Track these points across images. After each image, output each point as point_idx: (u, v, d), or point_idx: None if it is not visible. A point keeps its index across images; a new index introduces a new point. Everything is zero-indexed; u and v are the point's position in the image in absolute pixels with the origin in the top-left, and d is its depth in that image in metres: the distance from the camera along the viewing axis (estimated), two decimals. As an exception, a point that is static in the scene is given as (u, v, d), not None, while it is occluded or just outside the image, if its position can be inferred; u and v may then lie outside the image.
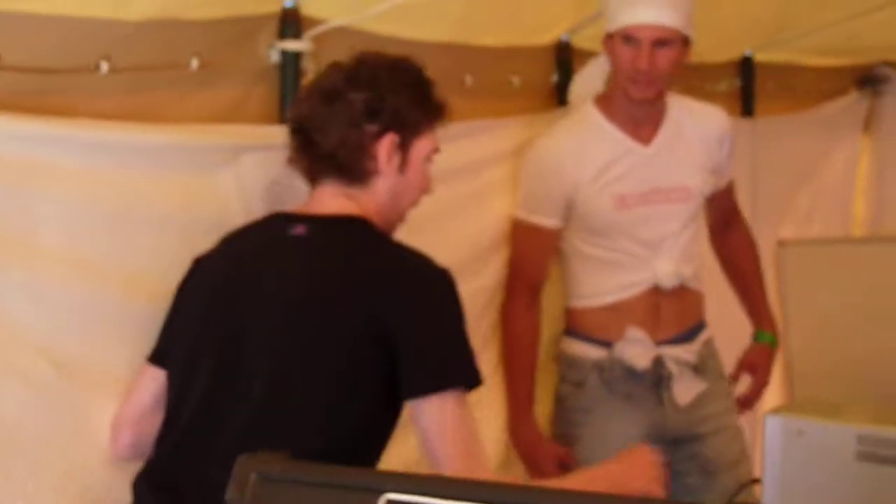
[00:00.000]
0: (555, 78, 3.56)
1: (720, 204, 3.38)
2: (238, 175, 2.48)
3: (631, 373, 3.11)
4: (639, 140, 3.11)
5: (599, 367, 3.13)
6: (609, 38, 3.02)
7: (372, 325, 2.08)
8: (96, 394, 2.26)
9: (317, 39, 2.64)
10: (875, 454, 2.02)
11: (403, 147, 2.27)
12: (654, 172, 3.10)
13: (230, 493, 1.48)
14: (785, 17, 4.07)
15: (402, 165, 2.28)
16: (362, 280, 2.14)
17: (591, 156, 3.08)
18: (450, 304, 2.17)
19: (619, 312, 3.13)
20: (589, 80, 3.30)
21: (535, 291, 3.21)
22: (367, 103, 2.23)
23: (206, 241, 2.34)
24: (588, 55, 3.66)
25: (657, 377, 3.13)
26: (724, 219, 3.47)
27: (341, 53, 2.75)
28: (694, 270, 3.19)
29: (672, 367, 3.12)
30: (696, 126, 3.16)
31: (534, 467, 3.13)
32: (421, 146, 2.30)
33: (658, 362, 3.12)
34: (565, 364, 3.22)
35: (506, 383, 3.19)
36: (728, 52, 4.37)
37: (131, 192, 2.27)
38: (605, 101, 3.15)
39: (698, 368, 3.18)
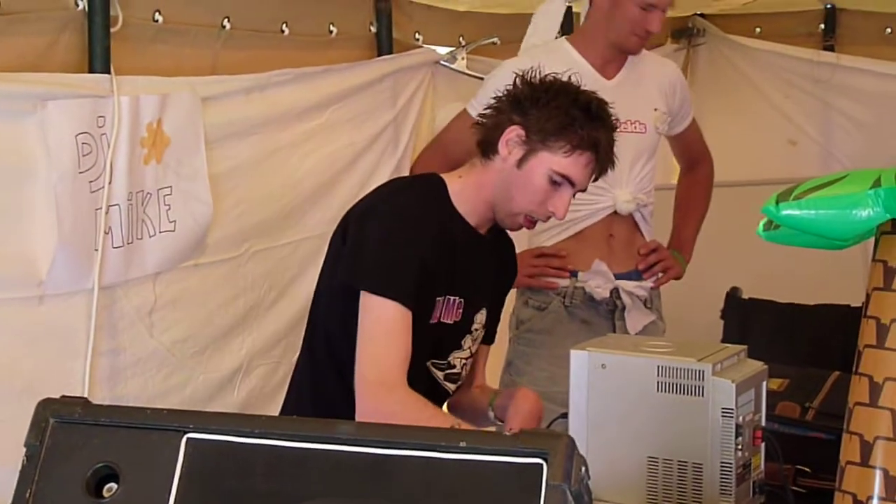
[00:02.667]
0: (373, 27, 3.57)
1: (684, 144, 3.66)
2: (43, 124, 2.43)
3: (590, 300, 3.34)
4: (603, 76, 3.34)
5: (562, 293, 3.33)
6: None
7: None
8: None
9: (124, -15, 2.60)
10: (673, 384, 2.11)
11: (528, 148, 2.43)
12: (615, 104, 3.25)
13: (28, 438, 1.46)
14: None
15: (521, 162, 2.43)
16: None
17: None
18: (374, 223, 2.39)
19: (582, 241, 3.33)
20: (549, 21, 3.53)
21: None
22: (520, 97, 2.45)
23: (7, 191, 2.29)
24: (407, 5, 3.70)
25: (612, 306, 3.35)
26: (690, 160, 3.73)
27: (148, 0, 2.73)
28: (649, 209, 3.41)
29: (626, 298, 3.35)
30: (651, 72, 3.44)
31: (521, 277, 3.20)
32: (548, 159, 2.42)
33: (615, 293, 3.34)
34: (529, 290, 3.37)
35: None
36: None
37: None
38: (580, 39, 3.41)
39: (646, 303, 3.41)
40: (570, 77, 2.51)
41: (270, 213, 3.19)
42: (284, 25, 3.20)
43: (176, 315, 2.90)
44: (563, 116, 2.40)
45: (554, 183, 2.43)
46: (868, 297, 1.74)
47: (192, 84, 2.86)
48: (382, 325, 2.31)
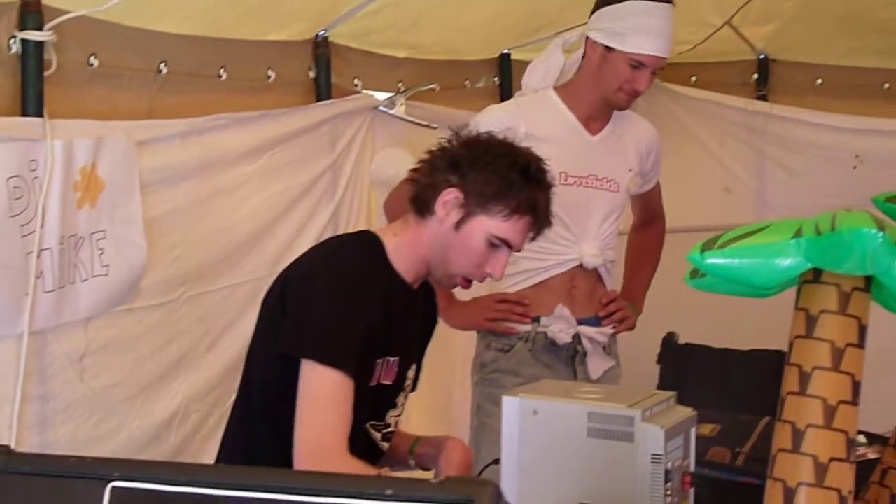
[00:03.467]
0: (312, 73, 3.58)
1: (646, 204, 3.69)
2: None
3: (552, 345, 3.35)
4: (588, 130, 3.38)
5: (525, 337, 3.35)
6: (605, 49, 3.27)
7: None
8: None
9: (58, 29, 2.59)
10: (603, 430, 2.12)
11: (466, 211, 2.40)
12: (595, 160, 3.36)
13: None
14: (537, 19, 4.20)
15: (459, 225, 2.40)
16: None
17: (544, 126, 3.28)
18: (318, 289, 2.34)
19: (546, 289, 3.34)
20: (544, 71, 3.47)
21: None
22: (458, 158, 2.41)
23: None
24: (346, 51, 3.72)
25: (573, 352, 3.38)
26: (647, 217, 3.74)
27: (84, 44, 2.73)
28: (611, 263, 3.44)
29: (587, 344, 3.37)
30: (632, 132, 3.47)
31: (482, 321, 3.35)
32: (486, 223, 2.40)
33: (576, 338, 3.36)
34: (491, 334, 3.38)
35: None
36: (487, 51, 4.48)
37: None
38: (567, 91, 3.40)
39: (606, 349, 3.44)
40: (505, 136, 2.49)
41: (206, 257, 3.19)
42: (222, 70, 3.21)
43: (108, 360, 2.89)
44: (502, 180, 2.38)
45: (492, 245, 2.41)
46: (791, 344, 1.76)
47: (128, 128, 2.86)
48: (325, 394, 2.27)
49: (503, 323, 3.34)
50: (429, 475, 2.46)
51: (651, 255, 3.76)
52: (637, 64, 3.23)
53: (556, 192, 3.20)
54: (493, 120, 3.22)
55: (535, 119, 3.28)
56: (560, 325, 3.33)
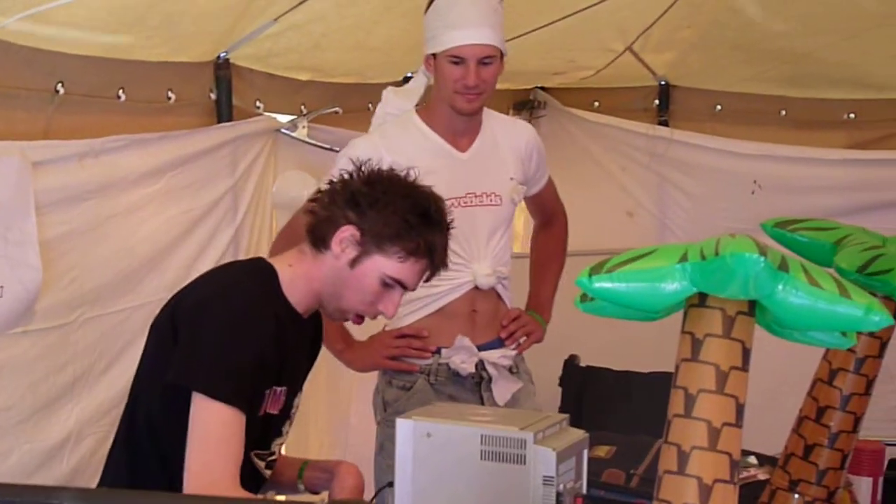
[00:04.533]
0: (213, 94, 3.57)
1: (541, 203, 3.62)
2: None
3: (455, 376, 3.30)
4: (456, 148, 3.30)
5: (427, 371, 3.30)
6: (432, 57, 3.23)
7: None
8: None
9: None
10: (496, 453, 2.14)
11: (362, 250, 2.40)
12: (470, 178, 3.29)
13: None
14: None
15: (354, 263, 2.40)
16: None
17: (409, 153, 3.17)
18: (213, 319, 2.32)
19: (445, 317, 3.29)
20: (406, 97, 3.41)
21: None
22: (357, 196, 2.40)
23: None
24: (248, 72, 3.71)
25: (479, 379, 3.33)
26: (545, 217, 3.69)
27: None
28: (507, 278, 3.38)
29: (492, 370, 3.32)
30: (507, 138, 3.38)
31: (381, 360, 3.30)
32: (382, 263, 2.40)
33: (479, 365, 3.31)
34: (391, 372, 3.33)
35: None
36: (390, 74, 4.49)
37: None
38: (427, 113, 3.33)
39: (512, 370, 3.40)
40: (406, 172, 2.48)
41: (104, 279, 3.15)
42: (121, 91, 3.18)
43: (2, 383, 2.84)
44: (401, 223, 2.38)
45: (386, 285, 2.42)
46: (677, 367, 1.79)
47: (23, 148, 2.82)
48: (217, 429, 2.25)
49: (403, 360, 3.30)
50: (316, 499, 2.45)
51: (555, 254, 3.69)
52: (456, 59, 3.16)
53: None
54: (355, 154, 3.06)
55: (399, 147, 3.20)
56: (462, 356, 3.29)
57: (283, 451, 2.68)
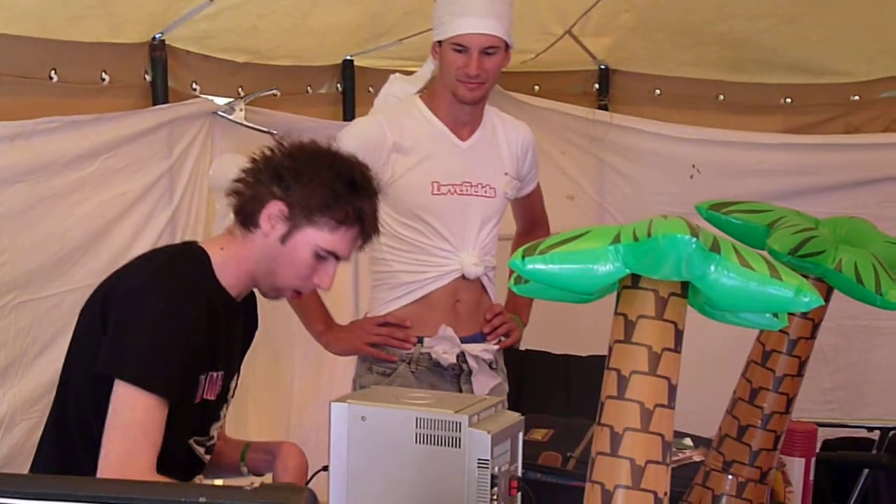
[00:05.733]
0: (148, 76, 3.53)
1: (526, 208, 3.63)
2: None
3: (436, 366, 3.30)
4: (457, 136, 3.32)
5: (408, 359, 3.30)
6: (438, 44, 3.26)
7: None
8: None
9: None
10: (430, 435, 2.14)
11: (292, 224, 2.38)
12: (467, 167, 3.31)
13: None
14: (380, 24, 4.22)
15: (285, 238, 2.38)
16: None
17: (412, 136, 3.25)
18: (143, 308, 2.29)
19: (428, 306, 3.29)
20: (411, 83, 3.43)
21: None
22: (280, 170, 2.38)
23: None
24: (184, 54, 3.67)
25: (458, 370, 3.32)
26: (530, 223, 3.68)
27: None
28: (494, 271, 3.38)
29: (473, 363, 3.32)
30: (506, 135, 3.41)
31: (361, 345, 3.30)
32: (313, 235, 2.37)
33: (460, 357, 3.31)
34: (371, 358, 3.32)
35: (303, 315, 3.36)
36: (329, 57, 4.47)
37: None
38: (430, 98, 3.35)
39: (492, 365, 3.40)
40: (329, 143, 2.47)
41: (36, 263, 3.10)
42: (53, 72, 3.13)
43: (-71, 368, 2.79)
44: (328, 192, 2.36)
45: (319, 257, 2.40)
46: (610, 349, 1.80)
47: (-48, 129, 2.77)
48: (141, 417, 2.22)
49: (384, 349, 3.29)
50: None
51: None
52: (460, 47, 3.19)
53: (429, 202, 3.24)
54: (360, 132, 3.23)
55: (402, 129, 3.25)
56: (444, 346, 3.29)
57: (224, 433, 2.68)
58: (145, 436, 2.22)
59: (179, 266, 2.41)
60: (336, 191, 2.36)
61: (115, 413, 2.23)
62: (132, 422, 2.22)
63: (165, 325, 2.27)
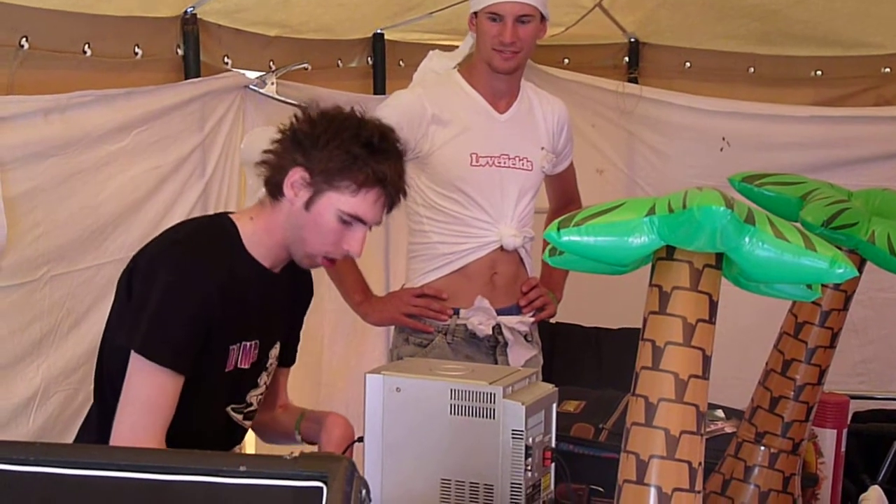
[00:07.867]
0: (180, 50, 3.54)
1: (560, 186, 3.64)
2: None
3: (472, 337, 3.32)
4: (495, 108, 3.35)
5: (444, 330, 3.32)
6: (475, 15, 3.30)
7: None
8: None
9: None
10: (465, 407, 2.15)
11: (314, 190, 2.37)
12: (505, 139, 3.33)
13: None
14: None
15: (309, 204, 2.38)
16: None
17: (450, 108, 3.28)
18: (159, 280, 2.30)
19: (466, 277, 3.31)
20: (450, 57, 3.46)
21: None
22: (300, 137, 2.39)
23: None
24: (216, 28, 3.68)
25: (494, 342, 3.34)
26: (564, 201, 3.67)
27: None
28: (531, 244, 3.40)
29: (508, 334, 3.33)
30: (542, 110, 3.43)
31: (398, 316, 3.34)
32: (335, 199, 2.37)
33: (496, 329, 3.32)
34: (408, 328, 3.35)
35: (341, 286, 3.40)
36: (360, 31, 4.47)
37: None
38: (468, 71, 3.38)
39: (527, 338, 3.42)
40: (352, 108, 2.45)
41: (70, 236, 3.12)
42: (87, 46, 3.15)
43: (-33, 341, 2.82)
44: (346, 155, 2.35)
45: (344, 222, 2.39)
46: (645, 320, 1.80)
47: (-14, 104, 2.79)
48: (150, 391, 2.27)
49: (421, 320, 3.31)
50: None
51: None
52: (494, 16, 3.22)
53: (468, 174, 3.25)
54: (399, 104, 3.25)
55: (441, 101, 3.27)
56: (480, 317, 3.30)
57: (286, 401, 2.74)
58: (154, 409, 2.27)
59: (200, 236, 2.43)
60: (353, 153, 2.35)
61: (128, 385, 2.28)
62: (141, 395, 2.27)
63: (175, 298, 2.29)
